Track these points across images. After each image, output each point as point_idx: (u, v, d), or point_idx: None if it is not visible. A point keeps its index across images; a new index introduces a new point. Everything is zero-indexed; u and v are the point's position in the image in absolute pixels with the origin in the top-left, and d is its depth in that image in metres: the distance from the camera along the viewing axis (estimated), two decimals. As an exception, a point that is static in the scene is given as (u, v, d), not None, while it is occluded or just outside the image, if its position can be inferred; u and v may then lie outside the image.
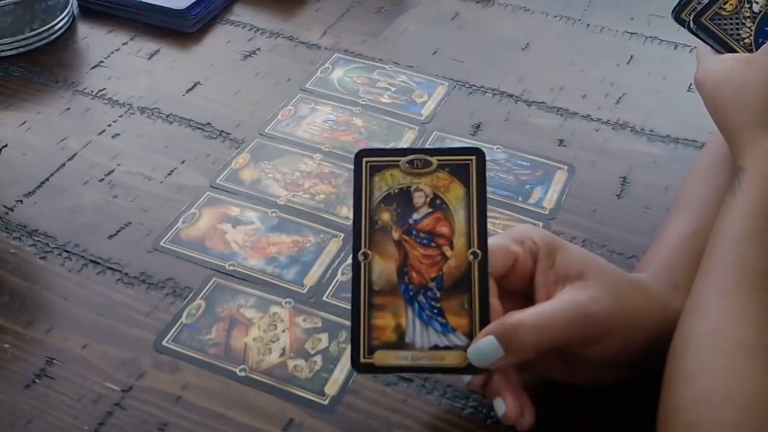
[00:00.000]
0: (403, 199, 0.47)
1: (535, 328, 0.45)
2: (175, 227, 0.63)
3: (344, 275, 0.59)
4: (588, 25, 0.88)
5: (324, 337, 0.55)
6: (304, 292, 0.58)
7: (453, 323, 0.46)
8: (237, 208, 0.65)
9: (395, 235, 0.47)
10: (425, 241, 0.47)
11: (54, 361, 0.53)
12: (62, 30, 0.84)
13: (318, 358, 0.54)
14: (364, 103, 0.76)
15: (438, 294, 0.47)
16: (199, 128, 0.73)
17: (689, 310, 0.47)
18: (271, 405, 0.51)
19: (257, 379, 0.52)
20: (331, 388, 0.52)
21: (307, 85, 0.78)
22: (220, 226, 0.63)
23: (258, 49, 0.83)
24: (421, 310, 0.47)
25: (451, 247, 0.47)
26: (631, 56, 0.83)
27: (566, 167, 0.69)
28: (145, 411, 0.51)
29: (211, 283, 0.58)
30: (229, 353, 0.54)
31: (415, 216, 0.47)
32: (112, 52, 0.82)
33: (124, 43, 0.83)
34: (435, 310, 0.47)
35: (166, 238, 0.62)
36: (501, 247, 0.49)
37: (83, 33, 0.85)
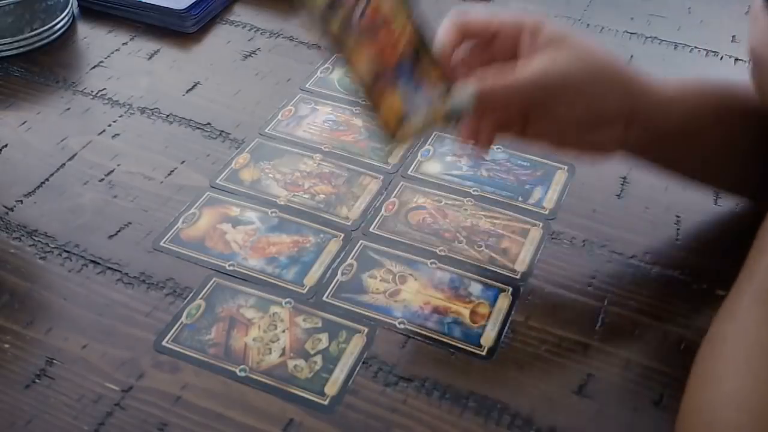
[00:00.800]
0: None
1: (503, 87, 0.51)
2: (175, 227, 0.63)
3: (344, 275, 0.59)
4: (588, 25, 0.88)
5: (324, 337, 0.55)
6: (304, 292, 0.58)
7: (431, 83, 0.53)
8: (237, 208, 0.65)
9: (350, 40, 0.50)
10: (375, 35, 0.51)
11: (54, 361, 0.53)
12: (62, 30, 0.84)
13: (318, 358, 0.54)
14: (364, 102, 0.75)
15: (411, 65, 0.52)
16: (199, 128, 0.73)
17: (724, 312, 0.47)
18: (271, 405, 0.51)
19: (257, 379, 0.52)
20: (331, 388, 0.52)
21: (307, 85, 0.78)
22: (220, 226, 0.63)
23: (258, 49, 0.83)
24: (407, 83, 0.52)
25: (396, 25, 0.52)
26: (631, 56, 0.83)
27: (566, 167, 0.69)
28: (145, 411, 0.51)
29: (211, 283, 0.59)
30: (229, 353, 0.54)
31: (357, 13, 0.50)
32: (112, 52, 0.82)
33: (124, 43, 0.83)
34: (414, 80, 0.52)
35: (166, 238, 0.62)
36: (482, 17, 0.54)
37: (83, 33, 0.85)
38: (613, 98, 0.53)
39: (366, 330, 0.55)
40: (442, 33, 0.54)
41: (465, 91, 0.52)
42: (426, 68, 0.53)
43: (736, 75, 0.81)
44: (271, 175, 0.68)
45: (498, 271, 0.60)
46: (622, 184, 0.68)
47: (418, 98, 0.53)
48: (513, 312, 0.57)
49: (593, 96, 0.53)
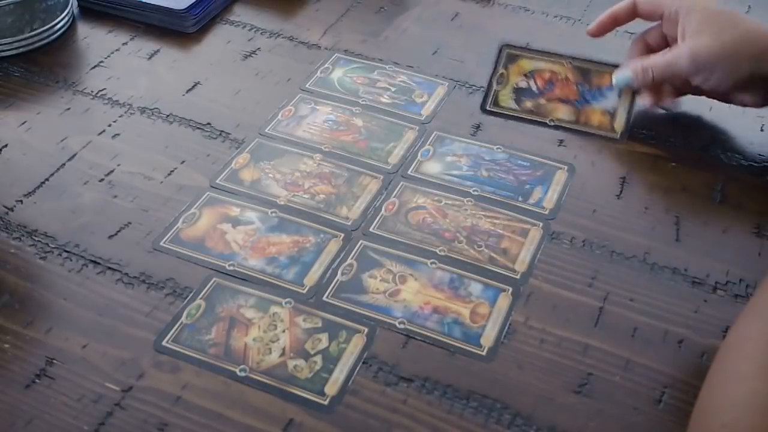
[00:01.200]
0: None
1: (661, 65, 0.68)
2: (175, 227, 0.63)
3: (344, 275, 0.59)
4: (588, 25, 0.88)
5: (324, 337, 0.55)
6: (304, 292, 0.58)
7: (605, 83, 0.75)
8: (237, 208, 0.65)
9: (545, 106, 0.74)
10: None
11: (54, 361, 0.53)
12: (62, 30, 0.84)
13: (318, 358, 0.54)
14: (364, 103, 0.76)
15: (586, 83, 0.75)
16: (199, 128, 0.73)
17: (749, 313, 0.47)
18: (271, 405, 0.51)
19: (257, 379, 0.52)
20: (331, 388, 0.52)
21: (307, 85, 0.78)
22: (220, 226, 0.63)
23: (258, 49, 0.83)
24: (594, 97, 0.74)
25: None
26: (631, 56, 0.83)
27: (566, 167, 0.69)
28: (145, 411, 0.51)
29: (211, 283, 0.59)
30: (229, 353, 0.54)
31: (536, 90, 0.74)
32: (112, 52, 0.82)
33: (124, 43, 0.83)
34: (594, 89, 0.75)
35: (166, 238, 0.62)
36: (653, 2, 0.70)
37: (83, 33, 0.85)
38: (747, 67, 0.65)
39: (366, 330, 0.55)
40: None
41: (620, 72, 0.72)
42: (595, 77, 0.75)
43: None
44: (271, 175, 0.68)
45: (498, 271, 0.60)
46: (622, 185, 0.68)
47: (606, 100, 0.73)
48: (513, 312, 0.57)
49: (729, 70, 0.66)
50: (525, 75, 0.75)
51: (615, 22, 0.72)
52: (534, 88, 0.74)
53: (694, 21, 0.66)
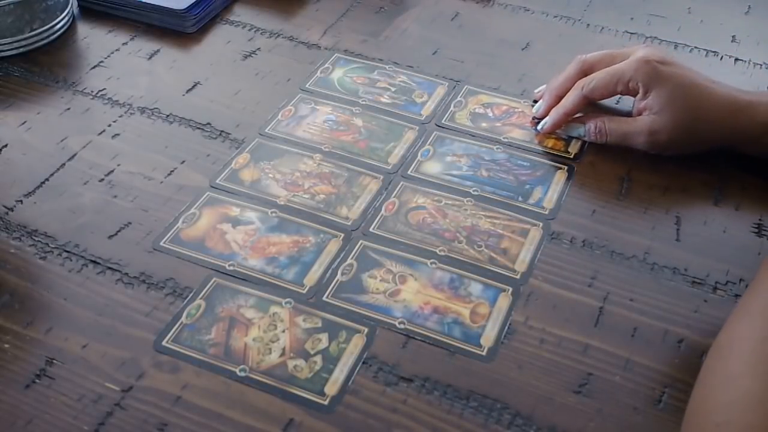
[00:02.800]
0: None
1: (616, 133, 0.69)
2: (175, 227, 0.63)
3: (344, 275, 0.59)
4: (588, 25, 0.88)
5: (324, 337, 0.55)
6: (304, 292, 0.58)
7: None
8: (237, 208, 0.65)
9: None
10: None
11: (54, 361, 0.53)
12: (62, 30, 0.84)
13: (318, 358, 0.54)
14: (364, 103, 0.76)
15: None
16: (199, 128, 0.73)
17: (740, 313, 0.47)
18: (271, 405, 0.51)
19: (257, 379, 0.52)
20: (331, 388, 0.52)
21: (307, 85, 0.78)
22: (220, 226, 0.63)
23: (258, 49, 0.83)
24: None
25: None
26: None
27: (566, 167, 0.69)
28: (145, 411, 0.51)
29: (211, 283, 0.59)
30: (229, 353, 0.54)
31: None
32: (112, 52, 0.82)
33: (124, 43, 0.83)
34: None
35: (166, 238, 0.62)
36: (607, 85, 0.68)
37: (83, 33, 0.85)
38: (705, 147, 0.68)
39: (366, 330, 0.55)
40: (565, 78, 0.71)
41: (573, 125, 0.71)
42: None
43: (736, 75, 0.81)
44: (271, 175, 0.68)
45: (498, 271, 0.60)
46: (622, 185, 0.68)
47: (561, 129, 0.72)
48: (513, 312, 0.57)
49: (684, 148, 0.68)
50: (483, 105, 0.75)
51: (568, 116, 0.70)
52: (491, 114, 0.74)
53: (661, 97, 0.65)
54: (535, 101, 0.75)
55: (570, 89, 0.70)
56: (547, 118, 0.71)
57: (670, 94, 0.65)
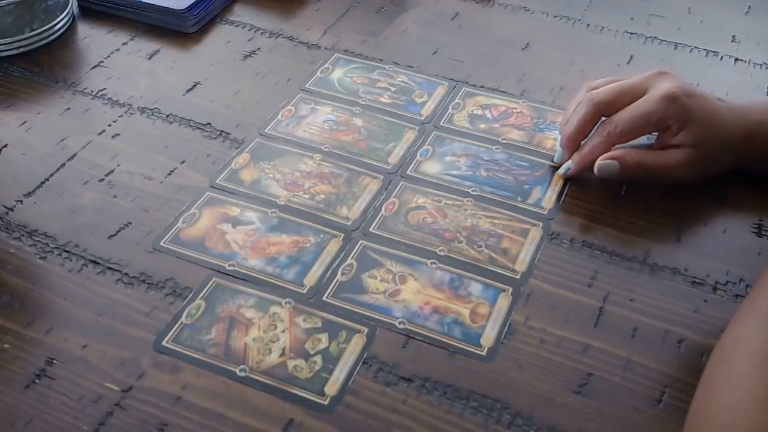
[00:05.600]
0: None
1: (656, 168, 0.65)
2: (175, 227, 0.63)
3: (344, 275, 0.59)
4: (588, 25, 0.88)
5: (324, 337, 0.55)
6: (304, 292, 0.58)
7: None
8: (237, 208, 0.65)
9: None
10: None
11: (54, 361, 0.53)
12: (62, 30, 0.84)
13: (318, 358, 0.54)
14: (364, 103, 0.76)
15: None
16: (199, 128, 0.73)
17: (744, 314, 0.47)
18: (271, 405, 0.51)
19: (257, 379, 0.52)
20: (331, 388, 0.52)
21: (307, 85, 0.78)
22: (220, 226, 0.63)
23: (258, 49, 0.83)
24: None
25: None
26: (631, 56, 0.83)
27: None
28: (145, 411, 0.51)
29: (211, 283, 0.59)
30: (229, 353, 0.54)
31: None
32: (112, 52, 0.82)
33: (124, 43, 0.83)
34: None
35: (166, 238, 0.62)
36: (637, 130, 0.65)
37: (83, 33, 0.85)
38: (732, 161, 0.66)
39: (366, 330, 0.55)
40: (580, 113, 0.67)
41: (605, 162, 0.65)
42: (550, 115, 0.74)
43: (736, 75, 0.81)
44: (271, 175, 0.68)
45: (498, 271, 0.60)
46: (623, 185, 0.68)
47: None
48: (513, 312, 0.57)
49: (720, 166, 0.67)
50: (481, 106, 0.75)
51: (594, 161, 0.66)
52: (489, 116, 0.74)
53: (696, 133, 0.64)
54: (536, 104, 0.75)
55: (588, 132, 0.67)
56: (569, 162, 0.67)
57: (701, 129, 0.64)
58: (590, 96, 0.65)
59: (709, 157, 0.65)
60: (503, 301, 0.58)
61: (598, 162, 0.65)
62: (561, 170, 0.68)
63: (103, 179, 0.67)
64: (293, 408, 0.51)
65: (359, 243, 0.62)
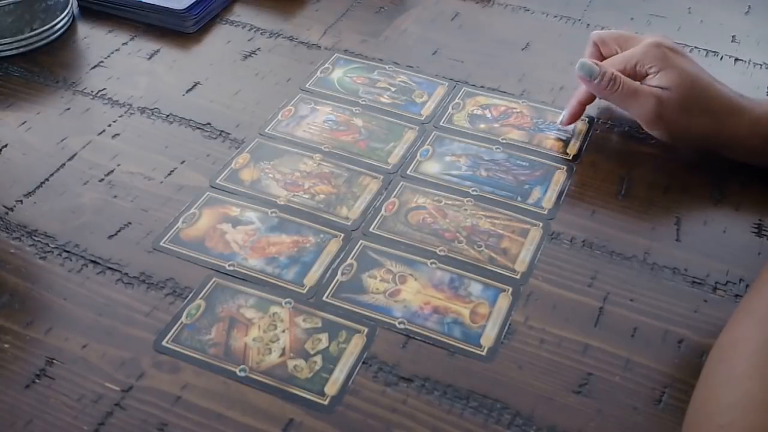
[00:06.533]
0: None
1: (628, 89, 0.66)
2: (175, 227, 0.63)
3: (344, 275, 0.59)
4: (588, 25, 0.88)
5: (324, 337, 0.55)
6: (304, 292, 0.58)
7: None
8: (237, 208, 0.65)
9: None
10: None
11: (54, 361, 0.53)
12: (62, 30, 0.84)
13: (318, 358, 0.54)
14: (364, 103, 0.76)
15: None
16: (199, 128, 0.73)
17: (743, 314, 0.47)
18: (271, 405, 0.51)
19: (257, 379, 0.52)
20: (331, 388, 0.52)
21: (307, 85, 0.78)
22: (220, 226, 0.63)
23: (258, 49, 0.83)
24: None
25: None
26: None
27: (565, 167, 0.69)
28: (145, 411, 0.51)
29: (211, 283, 0.59)
30: (229, 353, 0.54)
31: None
32: (112, 52, 0.82)
33: (124, 43, 0.83)
34: None
35: (166, 238, 0.62)
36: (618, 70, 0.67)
37: (83, 33, 0.85)
38: (707, 131, 0.66)
39: (366, 330, 0.55)
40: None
41: (588, 62, 0.68)
42: (550, 115, 0.75)
43: (736, 75, 0.81)
44: (271, 175, 0.68)
45: (498, 271, 0.60)
46: (622, 184, 0.68)
47: (560, 131, 0.73)
48: (513, 312, 0.57)
49: (692, 128, 0.66)
50: (481, 106, 0.75)
51: (582, 105, 0.71)
52: (489, 116, 0.74)
53: (670, 79, 0.65)
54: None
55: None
56: (564, 112, 0.72)
57: (678, 77, 0.65)
58: (591, 34, 0.72)
59: (684, 107, 0.65)
60: (503, 301, 0.58)
61: (581, 60, 0.68)
62: (558, 120, 0.73)
63: (103, 179, 0.67)
64: (293, 408, 0.51)
65: (359, 243, 0.62)
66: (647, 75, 0.66)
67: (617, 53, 0.70)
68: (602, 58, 0.71)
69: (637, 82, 0.67)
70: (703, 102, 0.65)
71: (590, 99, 0.71)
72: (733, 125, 0.65)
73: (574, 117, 0.72)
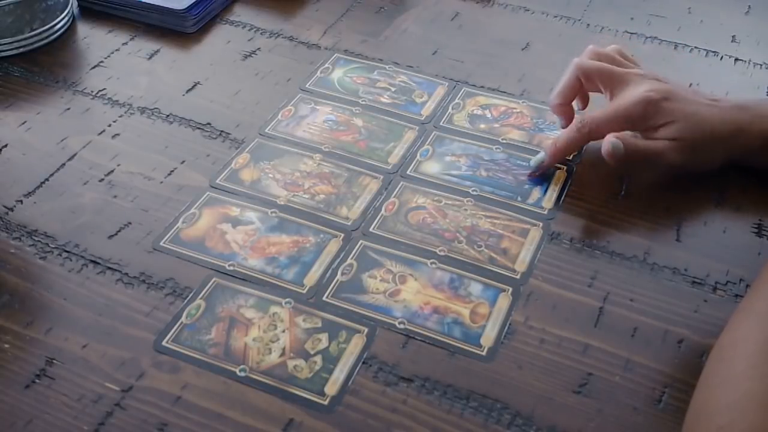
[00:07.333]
0: None
1: (640, 151, 0.66)
2: (175, 227, 0.63)
3: (344, 275, 0.59)
4: (588, 25, 0.88)
5: (324, 337, 0.55)
6: (304, 292, 0.58)
7: None
8: (237, 208, 0.65)
9: None
10: None
11: (54, 361, 0.53)
12: (62, 30, 0.84)
13: (318, 358, 0.54)
14: (364, 103, 0.76)
15: None
16: (199, 128, 0.73)
17: (743, 314, 0.47)
18: (271, 405, 0.51)
19: (257, 379, 0.52)
20: (331, 388, 0.52)
21: (307, 85, 0.78)
22: (220, 226, 0.63)
23: (258, 49, 0.83)
24: None
25: None
26: (631, 56, 0.83)
27: (565, 167, 0.69)
28: (145, 411, 0.51)
29: (211, 283, 0.59)
30: (228, 353, 0.54)
31: None
32: (112, 52, 0.82)
33: (124, 43, 0.83)
34: None
35: (166, 238, 0.62)
36: (612, 127, 0.66)
37: (83, 33, 0.85)
38: (720, 157, 0.66)
39: (366, 330, 0.55)
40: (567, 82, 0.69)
41: (618, 143, 0.66)
42: (550, 115, 0.73)
43: (736, 75, 0.81)
44: (271, 175, 0.68)
45: (498, 271, 0.60)
46: (622, 184, 0.68)
47: (560, 132, 0.70)
48: (513, 312, 0.57)
49: (705, 160, 0.66)
50: (481, 106, 0.75)
51: (566, 154, 0.69)
52: (489, 116, 0.74)
53: (670, 133, 0.65)
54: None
55: (571, 99, 0.69)
56: (542, 153, 0.68)
57: (683, 127, 0.64)
58: (576, 60, 0.69)
59: (698, 148, 0.65)
60: (503, 301, 0.58)
61: (611, 140, 0.65)
62: (533, 161, 0.68)
63: (103, 179, 0.67)
64: (293, 408, 0.51)
65: (359, 243, 0.62)
66: (648, 129, 0.66)
67: (600, 92, 0.69)
68: (583, 91, 0.70)
69: (654, 143, 0.65)
70: (710, 138, 0.65)
71: (576, 150, 0.70)
72: (744, 143, 0.65)
73: (556, 161, 0.69)
